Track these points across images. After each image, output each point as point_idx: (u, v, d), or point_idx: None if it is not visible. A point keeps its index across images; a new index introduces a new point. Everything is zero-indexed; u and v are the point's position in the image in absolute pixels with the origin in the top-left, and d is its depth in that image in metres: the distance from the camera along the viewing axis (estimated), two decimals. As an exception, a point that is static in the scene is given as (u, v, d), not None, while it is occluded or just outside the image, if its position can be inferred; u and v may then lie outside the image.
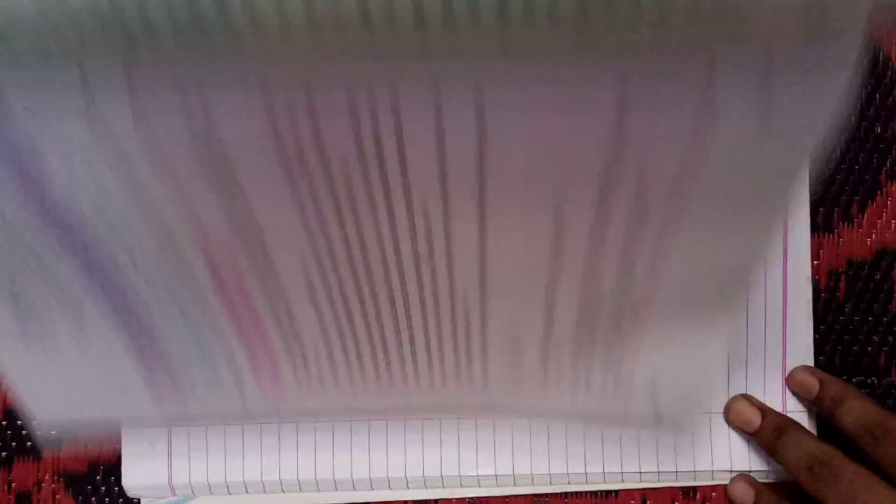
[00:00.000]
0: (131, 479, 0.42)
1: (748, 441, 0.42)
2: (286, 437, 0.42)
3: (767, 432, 0.40)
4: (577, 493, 0.42)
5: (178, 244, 0.29)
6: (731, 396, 0.42)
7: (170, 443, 0.42)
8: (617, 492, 0.42)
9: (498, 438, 0.42)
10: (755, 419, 0.40)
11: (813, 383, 0.40)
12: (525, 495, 0.42)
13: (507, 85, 0.24)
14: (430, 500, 0.42)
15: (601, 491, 0.42)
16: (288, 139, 0.25)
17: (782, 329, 0.42)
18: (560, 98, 0.25)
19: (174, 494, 0.42)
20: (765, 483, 0.41)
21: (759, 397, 0.42)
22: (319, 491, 0.42)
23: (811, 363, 0.41)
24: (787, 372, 0.41)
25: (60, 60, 0.23)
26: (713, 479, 0.42)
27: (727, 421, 0.41)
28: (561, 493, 0.42)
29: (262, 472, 0.42)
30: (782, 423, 0.40)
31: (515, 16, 0.22)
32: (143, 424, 0.41)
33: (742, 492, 0.41)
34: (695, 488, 0.42)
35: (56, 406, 0.36)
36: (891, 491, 0.35)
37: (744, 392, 0.42)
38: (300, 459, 0.42)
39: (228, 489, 0.42)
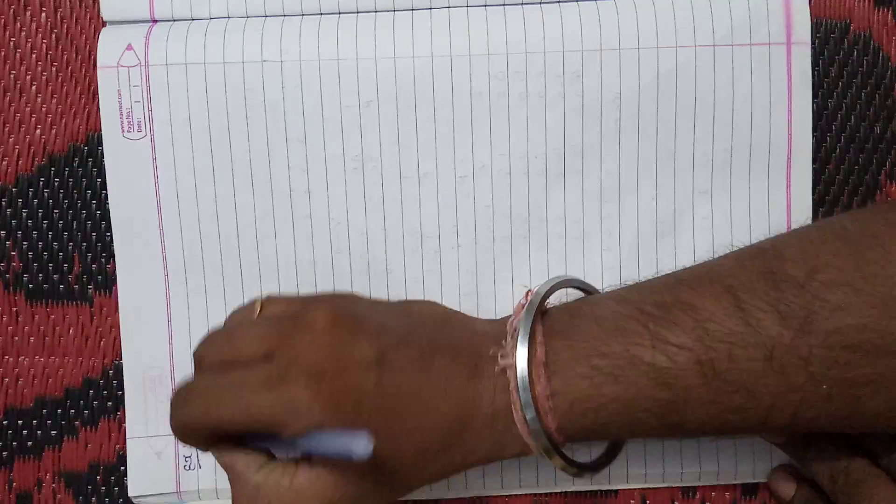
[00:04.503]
0: (138, 489, 0.45)
1: (753, 442, 0.44)
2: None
3: (795, 442, 0.43)
4: (576, 492, 0.45)
5: None
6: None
7: (177, 451, 0.44)
8: (616, 491, 0.45)
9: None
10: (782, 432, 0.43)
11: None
12: (525, 495, 0.45)
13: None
14: (430, 500, 0.45)
15: (601, 490, 0.45)
16: None
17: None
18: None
19: (180, 499, 0.45)
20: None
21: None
22: None
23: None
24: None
25: None
26: (717, 479, 0.45)
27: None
28: (561, 493, 0.45)
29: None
30: (808, 434, 0.42)
31: None
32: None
33: (783, 486, 0.44)
34: (694, 488, 0.45)
35: None
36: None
37: None
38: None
39: None
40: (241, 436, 0.37)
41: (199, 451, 0.43)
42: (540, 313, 0.38)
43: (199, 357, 0.38)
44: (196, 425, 0.37)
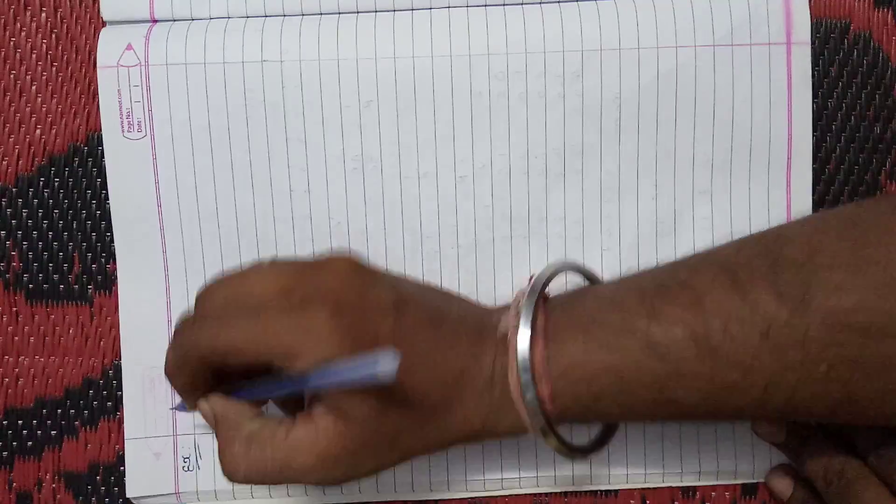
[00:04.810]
0: (136, 490, 0.45)
1: (752, 441, 0.45)
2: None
3: (792, 443, 0.43)
4: (576, 492, 0.45)
5: None
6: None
7: (175, 452, 0.45)
8: (617, 491, 0.45)
9: (503, 441, 0.45)
10: (781, 430, 0.43)
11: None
12: (525, 495, 0.46)
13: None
14: (430, 501, 0.45)
15: (601, 490, 0.45)
16: None
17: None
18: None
19: (179, 500, 0.45)
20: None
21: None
22: (325, 494, 0.45)
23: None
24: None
25: None
26: (717, 479, 0.45)
27: (753, 431, 0.44)
28: (561, 493, 0.46)
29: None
30: (806, 435, 0.43)
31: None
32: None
33: (781, 484, 0.44)
34: (694, 488, 0.45)
35: None
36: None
37: None
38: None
39: (234, 495, 0.45)
40: (232, 389, 0.37)
41: (183, 409, 0.40)
42: (544, 294, 0.38)
43: (204, 297, 0.37)
44: (199, 352, 0.35)
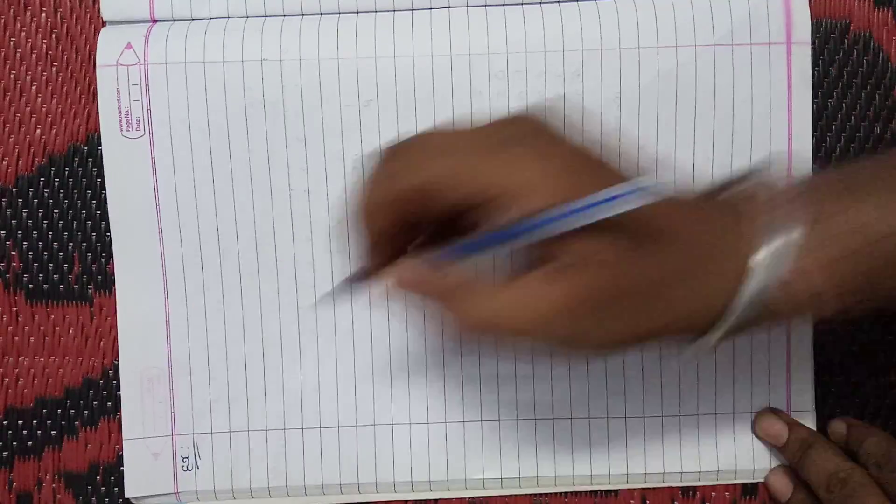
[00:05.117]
0: (135, 490, 0.45)
1: (752, 441, 0.45)
2: (292, 443, 0.45)
3: (794, 447, 0.43)
4: (576, 492, 0.45)
5: None
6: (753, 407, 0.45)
7: (174, 452, 0.44)
8: (617, 491, 0.45)
9: (503, 441, 0.45)
10: (783, 434, 0.43)
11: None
12: (525, 495, 0.45)
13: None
14: (430, 500, 0.45)
15: (601, 491, 0.45)
16: None
17: (786, 337, 0.45)
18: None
19: (178, 500, 0.45)
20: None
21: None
22: (325, 493, 0.45)
23: (811, 371, 0.44)
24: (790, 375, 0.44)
25: None
26: (717, 479, 0.45)
27: (754, 433, 0.44)
28: (561, 493, 0.45)
29: (268, 478, 0.44)
30: (809, 439, 0.43)
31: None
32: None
33: (780, 485, 0.44)
34: (694, 488, 0.45)
35: None
36: None
37: (769, 406, 0.45)
38: (306, 465, 0.45)
39: (234, 495, 0.45)
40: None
41: (361, 278, 0.34)
42: None
43: (399, 146, 0.31)
44: (408, 184, 0.29)
